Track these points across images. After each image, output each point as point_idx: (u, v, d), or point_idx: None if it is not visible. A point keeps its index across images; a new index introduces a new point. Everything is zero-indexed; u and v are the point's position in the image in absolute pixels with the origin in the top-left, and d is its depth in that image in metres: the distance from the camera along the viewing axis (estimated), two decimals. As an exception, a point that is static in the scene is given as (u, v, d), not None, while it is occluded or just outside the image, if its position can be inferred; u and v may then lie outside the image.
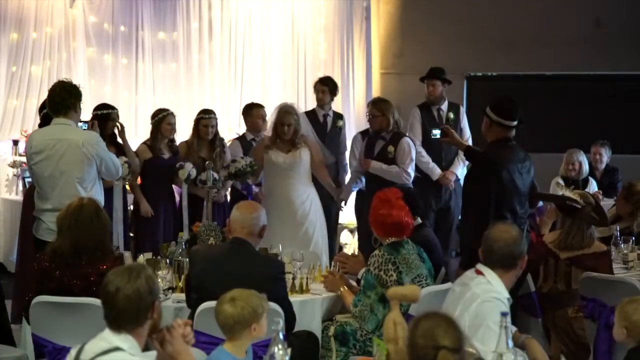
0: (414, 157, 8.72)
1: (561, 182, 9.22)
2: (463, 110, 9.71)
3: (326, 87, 9.72)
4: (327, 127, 9.66)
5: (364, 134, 9.23)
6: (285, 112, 8.39)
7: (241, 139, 9.44)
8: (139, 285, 3.70)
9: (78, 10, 11.86)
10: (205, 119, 9.02)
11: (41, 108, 8.04)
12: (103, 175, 7.16)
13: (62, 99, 6.99)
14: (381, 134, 8.69)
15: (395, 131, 8.68)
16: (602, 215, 6.70)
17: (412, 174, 8.67)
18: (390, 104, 8.79)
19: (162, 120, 8.89)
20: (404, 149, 8.62)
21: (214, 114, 9.17)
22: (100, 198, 7.13)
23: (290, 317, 5.42)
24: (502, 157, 6.47)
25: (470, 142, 8.90)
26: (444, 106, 9.55)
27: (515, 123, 6.55)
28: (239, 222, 5.53)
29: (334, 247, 9.52)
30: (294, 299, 5.77)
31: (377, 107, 8.74)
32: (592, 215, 6.53)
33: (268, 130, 8.65)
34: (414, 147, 8.76)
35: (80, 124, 7.54)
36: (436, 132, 8.88)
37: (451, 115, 9.49)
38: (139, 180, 8.92)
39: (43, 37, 11.67)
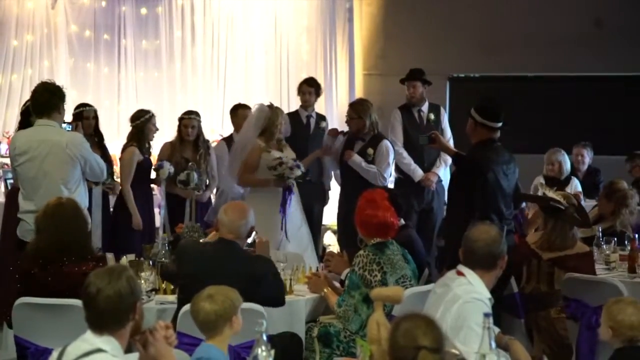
0: (391, 162, 8.82)
1: (543, 182, 9.25)
2: (444, 111, 9.74)
3: (312, 88, 9.73)
4: (310, 128, 9.66)
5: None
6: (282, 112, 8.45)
7: (228, 139, 9.43)
8: (120, 286, 3.68)
9: (60, 17, 11.82)
10: (185, 119, 9.03)
11: (22, 109, 8.02)
12: (88, 176, 7.14)
13: (45, 100, 6.97)
14: (359, 136, 8.78)
15: (374, 133, 8.77)
16: (585, 216, 6.74)
17: (388, 178, 8.79)
18: (368, 105, 8.87)
19: (147, 121, 8.88)
20: (382, 152, 8.73)
21: (197, 114, 9.17)
22: (85, 199, 7.13)
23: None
24: (487, 158, 6.48)
25: (451, 143, 8.93)
26: (425, 107, 9.58)
27: (500, 124, 6.58)
28: (226, 226, 5.55)
29: (318, 248, 9.52)
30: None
31: (354, 109, 8.87)
32: (575, 216, 6.56)
33: (248, 131, 8.50)
34: (392, 150, 8.84)
35: (64, 125, 7.52)
36: (423, 139, 8.92)
37: (432, 117, 9.51)
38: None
39: (24, 45, 11.63)
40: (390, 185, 9.22)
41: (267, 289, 5.45)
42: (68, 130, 7.64)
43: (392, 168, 8.96)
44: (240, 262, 5.44)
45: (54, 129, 6.97)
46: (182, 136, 9.01)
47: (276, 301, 5.59)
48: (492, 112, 6.57)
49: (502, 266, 4.83)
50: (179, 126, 9.07)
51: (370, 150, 8.72)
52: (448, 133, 9.48)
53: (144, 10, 12.27)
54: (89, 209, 8.09)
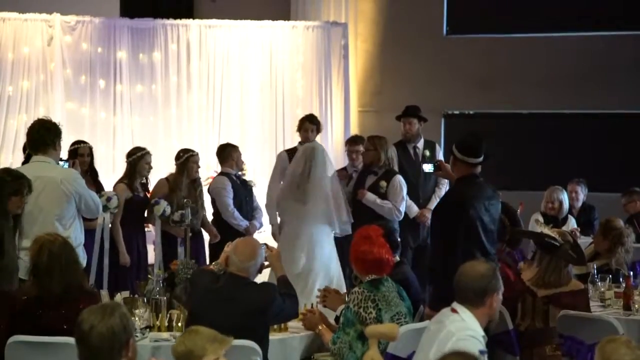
0: (405, 196, 8.89)
1: (540, 219, 9.26)
2: (439, 147, 9.79)
3: (314, 125, 9.77)
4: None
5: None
6: None
7: (225, 174, 9.40)
8: (113, 323, 3.67)
9: (56, 62, 11.87)
10: (195, 156, 9.06)
11: (24, 148, 8.06)
12: (83, 212, 7.17)
13: (40, 136, 7.00)
14: (372, 169, 8.87)
15: (387, 168, 8.92)
16: (580, 253, 6.72)
17: (403, 212, 8.85)
18: (385, 140, 9.15)
19: (140, 158, 8.88)
20: (396, 186, 8.90)
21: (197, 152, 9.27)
22: (80, 235, 7.15)
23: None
24: (468, 194, 6.44)
25: (446, 180, 8.96)
26: (420, 144, 9.63)
27: (479, 160, 6.51)
28: (235, 265, 5.62)
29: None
30: (272, 337, 5.77)
31: (371, 142, 9.12)
32: (570, 253, 6.54)
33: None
34: (405, 185, 8.93)
35: (61, 162, 7.54)
36: (427, 167, 8.99)
37: (427, 153, 9.57)
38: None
39: (21, 59, 11.68)
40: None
41: (277, 313, 5.66)
42: (64, 168, 7.65)
43: (405, 203, 9.01)
44: (246, 299, 5.52)
45: (50, 165, 7.00)
46: (188, 174, 9.00)
47: (289, 318, 5.91)
48: (470, 147, 6.51)
49: (492, 304, 4.80)
50: (185, 164, 9.04)
51: (383, 183, 8.88)
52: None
53: (141, 56, 12.31)
54: (91, 242, 8.15)
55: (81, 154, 8.68)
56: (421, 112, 9.69)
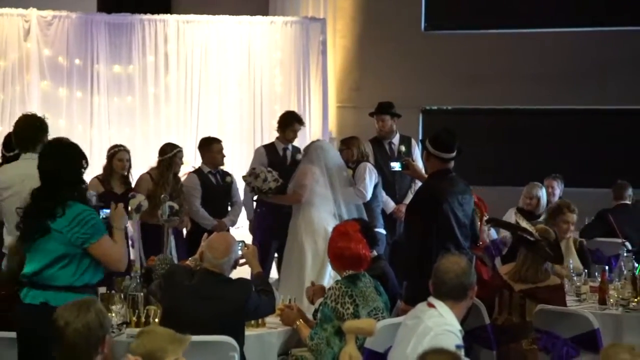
0: (369, 179, 8.90)
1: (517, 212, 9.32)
2: (415, 143, 9.79)
3: (302, 126, 9.80)
4: (287, 160, 9.62)
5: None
6: None
7: (198, 172, 9.40)
8: (89, 319, 3.67)
9: (32, 43, 11.81)
10: (181, 152, 9.09)
11: (4, 143, 7.99)
12: None
13: (28, 135, 6.94)
14: (348, 166, 8.94)
15: (360, 160, 8.98)
16: (558, 251, 6.72)
17: (366, 194, 8.85)
18: (356, 138, 9.32)
19: (113, 155, 8.96)
20: (360, 170, 8.97)
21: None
22: None
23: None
24: (441, 189, 6.46)
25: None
26: (396, 139, 9.65)
27: (452, 155, 6.53)
28: (209, 262, 5.62)
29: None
30: (249, 332, 5.77)
31: (344, 142, 9.35)
32: (547, 250, 6.55)
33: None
34: (373, 171, 8.96)
35: None
36: (395, 165, 9.00)
37: (403, 148, 9.58)
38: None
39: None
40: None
41: (253, 309, 5.63)
42: None
43: (372, 186, 9.01)
44: (220, 295, 5.50)
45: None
46: (174, 169, 8.99)
47: (265, 314, 5.89)
48: (443, 143, 6.53)
49: (472, 297, 4.84)
50: (171, 160, 9.04)
51: (349, 172, 8.91)
52: (419, 164, 9.53)
53: (117, 41, 12.28)
54: None
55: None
56: (395, 108, 9.69)
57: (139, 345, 3.93)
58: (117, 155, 8.97)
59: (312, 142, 9.11)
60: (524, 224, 6.73)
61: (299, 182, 8.75)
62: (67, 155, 5.27)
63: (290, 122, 9.72)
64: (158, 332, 4.00)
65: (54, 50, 11.99)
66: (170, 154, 9.02)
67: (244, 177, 8.90)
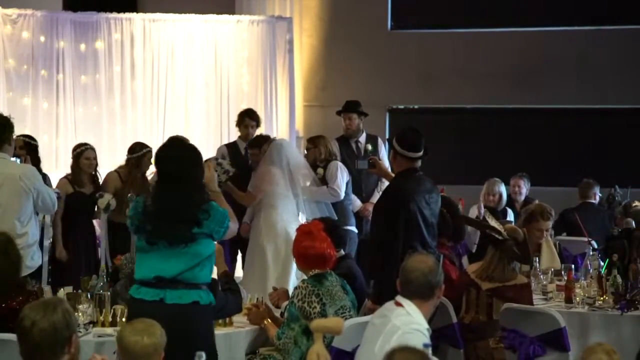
0: (340, 177, 8.91)
1: (481, 211, 9.35)
2: (381, 141, 9.81)
3: (255, 121, 9.78)
4: (249, 159, 9.62)
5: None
6: None
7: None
8: (55, 319, 3.64)
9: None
10: (151, 152, 9.02)
11: None
12: (39, 209, 7.14)
13: None
14: (317, 165, 8.97)
15: (328, 159, 8.97)
16: (525, 251, 6.73)
17: (340, 192, 8.87)
18: (323, 137, 9.27)
19: (80, 154, 8.87)
20: (331, 169, 8.97)
21: None
22: (37, 233, 7.16)
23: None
24: (408, 188, 6.47)
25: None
26: (362, 138, 9.68)
27: (419, 154, 6.55)
28: None
29: None
30: (217, 331, 5.74)
31: (310, 141, 9.29)
32: (514, 250, 6.57)
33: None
34: (344, 169, 8.98)
35: (12, 158, 7.47)
36: (362, 164, 9.02)
37: (369, 147, 9.61)
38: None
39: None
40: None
41: (220, 308, 5.48)
42: (19, 163, 7.64)
43: (344, 184, 9.02)
44: None
45: (6, 161, 6.99)
46: (142, 169, 8.95)
47: (232, 313, 5.79)
48: (409, 142, 6.55)
49: (439, 296, 4.85)
50: (140, 160, 8.98)
51: (320, 171, 8.92)
52: (386, 163, 9.54)
53: (83, 46, 12.19)
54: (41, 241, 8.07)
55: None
56: (362, 107, 9.71)
57: (138, 341, 3.95)
58: (84, 154, 8.88)
59: (271, 142, 9.02)
60: (492, 222, 6.75)
61: (257, 184, 8.72)
62: (198, 157, 5.27)
63: (241, 119, 9.82)
64: (156, 325, 4.10)
65: (19, 59, 11.89)
66: (139, 153, 8.97)
67: None
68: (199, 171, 5.21)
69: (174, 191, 5.09)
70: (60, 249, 8.64)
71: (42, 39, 11.96)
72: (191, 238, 5.04)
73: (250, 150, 9.31)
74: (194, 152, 5.27)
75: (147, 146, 9.11)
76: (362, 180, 9.44)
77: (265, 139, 9.21)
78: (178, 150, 5.28)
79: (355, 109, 9.65)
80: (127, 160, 9.01)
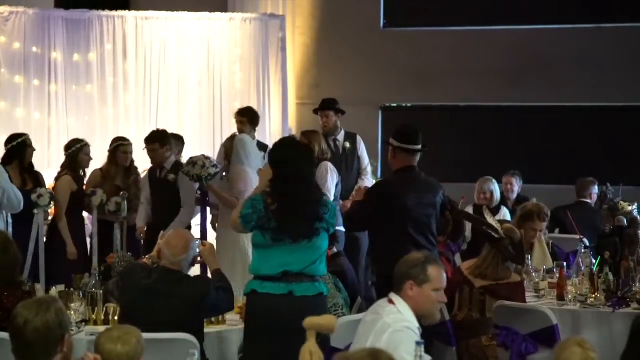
0: (332, 180, 8.84)
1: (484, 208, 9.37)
2: (360, 139, 9.76)
3: (244, 118, 9.70)
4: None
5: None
6: None
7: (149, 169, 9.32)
8: (49, 318, 3.64)
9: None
10: (124, 146, 9.09)
11: None
12: (4, 207, 7.13)
13: None
14: None
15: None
16: (520, 252, 6.72)
17: (331, 196, 8.80)
18: (318, 133, 9.05)
19: (80, 150, 8.84)
20: (321, 170, 8.79)
21: (129, 141, 9.24)
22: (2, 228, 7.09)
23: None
24: (399, 187, 6.49)
25: (368, 170, 9.05)
26: (340, 136, 9.61)
27: (418, 147, 6.57)
28: (167, 259, 5.58)
29: None
30: (209, 330, 5.76)
31: (305, 136, 8.98)
32: (509, 249, 6.56)
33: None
34: (334, 171, 8.90)
35: None
36: None
37: (347, 145, 9.55)
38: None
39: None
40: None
41: (213, 306, 5.62)
42: None
43: (334, 187, 8.97)
44: (179, 293, 5.48)
45: None
46: (118, 163, 8.99)
47: (224, 311, 5.88)
48: (408, 135, 6.56)
49: (407, 291, 4.76)
50: (115, 153, 9.09)
51: None
52: (365, 161, 9.55)
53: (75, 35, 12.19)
54: (25, 235, 8.04)
55: (29, 145, 8.70)
56: (339, 104, 9.66)
57: (114, 350, 3.86)
58: (84, 150, 8.91)
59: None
60: (490, 220, 6.75)
61: (235, 187, 8.54)
62: (311, 155, 5.84)
63: (235, 115, 9.81)
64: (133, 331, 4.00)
65: (11, 39, 11.88)
66: (112, 147, 9.10)
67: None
68: (313, 168, 5.68)
69: (296, 190, 5.40)
70: (72, 247, 8.62)
71: (35, 49, 11.96)
72: (315, 233, 5.38)
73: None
74: (307, 150, 5.81)
75: (121, 139, 9.21)
76: (342, 178, 9.41)
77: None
78: (295, 151, 5.61)
79: (332, 106, 9.60)
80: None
